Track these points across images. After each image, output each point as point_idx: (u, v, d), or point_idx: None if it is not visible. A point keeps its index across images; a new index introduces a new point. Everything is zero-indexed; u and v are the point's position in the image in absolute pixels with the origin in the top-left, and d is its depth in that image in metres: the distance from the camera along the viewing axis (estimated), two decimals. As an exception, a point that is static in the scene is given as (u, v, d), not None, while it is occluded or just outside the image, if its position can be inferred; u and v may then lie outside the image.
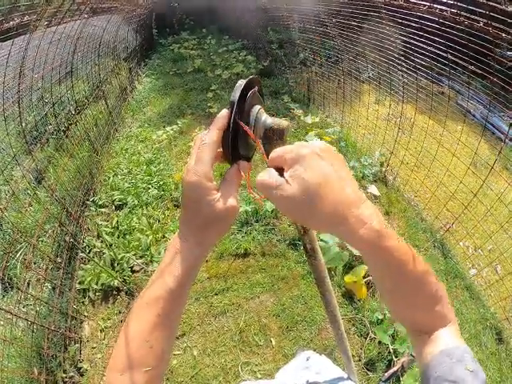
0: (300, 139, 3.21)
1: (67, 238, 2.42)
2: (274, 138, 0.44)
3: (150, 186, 2.88)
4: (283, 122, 0.44)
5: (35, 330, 1.96)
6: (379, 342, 2.04)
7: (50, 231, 2.43)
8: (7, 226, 2.60)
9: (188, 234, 0.41)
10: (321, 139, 3.26)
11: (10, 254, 2.34)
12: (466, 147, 2.67)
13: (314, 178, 0.35)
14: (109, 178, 2.94)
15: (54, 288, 2.19)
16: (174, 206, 2.75)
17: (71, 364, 2.03)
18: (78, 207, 2.66)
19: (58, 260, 2.29)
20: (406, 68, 2.87)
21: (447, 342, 0.40)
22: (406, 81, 2.96)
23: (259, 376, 2.01)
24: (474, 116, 4.31)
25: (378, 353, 2.05)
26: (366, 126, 3.50)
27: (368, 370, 2.03)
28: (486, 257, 2.71)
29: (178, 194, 2.75)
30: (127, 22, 5.69)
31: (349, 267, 2.28)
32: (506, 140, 2.93)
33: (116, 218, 2.63)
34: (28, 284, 2.30)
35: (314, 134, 3.09)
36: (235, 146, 0.43)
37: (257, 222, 2.57)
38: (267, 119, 0.45)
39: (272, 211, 2.60)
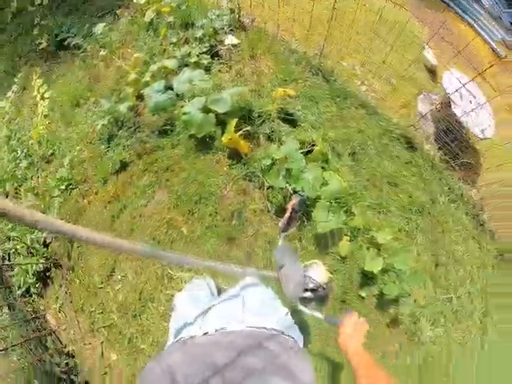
0: (140, 25, 2.65)
1: None
2: None
3: (18, 161, 2.52)
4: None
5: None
6: (281, 189, 1.94)
7: None
8: None
9: None
10: (159, 13, 2.75)
11: None
12: None
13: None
14: None
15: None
16: (45, 162, 2.46)
17: (59, 355, 2.08)
18: None
19: None
20: None
21: None
22: None
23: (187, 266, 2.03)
24: None
25: (283, 197, 1.97)
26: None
27: (278, 216, 1.99)
28: (377, 69, 2.45)
29: (43, 150, 2.45)
30: None
31: (223, 127, 2.03)
32: None
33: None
34: None
35: (150, 11, 2.54)
36: None
37: (120, 129, 2.28)
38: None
39: (129, 110, 2.26)
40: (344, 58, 2.41)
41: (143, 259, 2.10)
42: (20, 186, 2.46)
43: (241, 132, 2.01)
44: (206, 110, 2.07)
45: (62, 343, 2.22)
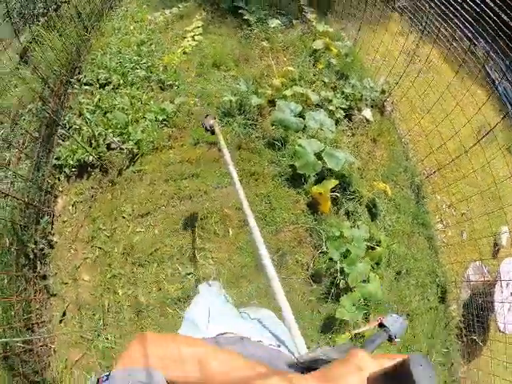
0: (306, 46, 2.85)
1: (48, 115, 2.27)
2: None
3: (137, 67, 2.61)
4: None
5: (9, 203, 1.92)
6: (330, 259, 2.00)
7: (32, 108, 2.29)
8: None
9: None
10: (327, 49, 2.94)
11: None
12: (473, 107, 2.41)
13: None
14: (96, 56, 2.65)
15: (31, 163, 2.12)
16: (159, 88, 2.52)
17: (42, 236, 2.05)
18: (62, 85, 2.46)
19: (37, 135, 2.18)
20: (445, 12, 2.44)
21: None
22: (441, 25, 2.56)
23: (211, 262, 2.06)
24: (496, 88, 3.85)
25: (327, 268, 2.04)
26: (379, 51, 3.12)
27: (313, 280, 2.05)
28: (457, 218, 2.58)
29: (165, 77, 2.51)
30: None
31: (321, 178, 2.14)
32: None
33: (98, 96, 2.43)
34: (8, 163, 2.20)
35: (321, 42, 2.73)
36: None
37: (239, 114, 2.33)
38: None
39: (257, 106, 2.36)
40: (441, 193, 2.57)
41: (181, 226, 2.12)
42: (124, 86, 2.51)
43: (332, 194, 2.12)
44: (317, 156, 2.18)
45: (52, 229, 2.16)
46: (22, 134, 2.27)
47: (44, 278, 2.03)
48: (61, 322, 1.96)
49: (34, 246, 1.99)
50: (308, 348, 0.62)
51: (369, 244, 2.09)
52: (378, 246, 2.13)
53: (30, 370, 1.75)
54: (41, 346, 1.88)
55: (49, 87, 2.34)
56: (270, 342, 0.77)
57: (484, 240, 2.53)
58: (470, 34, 2.43)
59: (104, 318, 1.95)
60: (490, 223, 2.37)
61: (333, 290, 1.99)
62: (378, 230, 2.21)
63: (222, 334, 0.83)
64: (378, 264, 2.14)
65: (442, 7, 2.50)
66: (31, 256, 1.98)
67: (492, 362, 2.25)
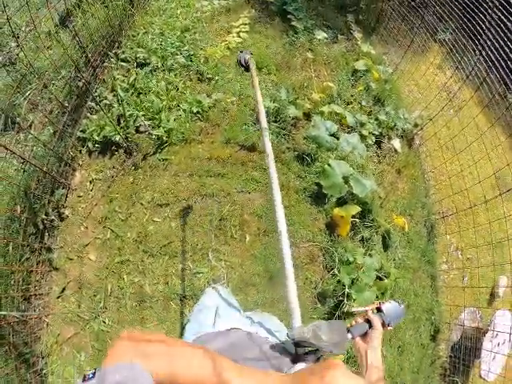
0: (348, 63, 2.82)
1: (80, 84, 2.19)
2: None
3: (178, 53, 2.54)
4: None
5: (27, 169, 1.84)
6: (338, 281, 2.01)
7: (64, 74, 2.20)
8: (21, 64, 2.32)
9: None
10: (368, 71, 2.92)
11: (19, 92, 2.13)
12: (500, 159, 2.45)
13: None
14: (138, 34, 2.57)
15: (55, 132, 2.03)
16: (198, 79, 2.46)
17: (54, 208, 1.99)
18: (99, 56, 2.37)
19: (65, 104, 2.09)
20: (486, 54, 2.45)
21: None
22: (478, 66, 2.58)
23: (223, 265, 2.03)
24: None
25: (334, 290, 2.04)
26: (418, 84, 3.12)
27: (318, 300, 2.05)
28: (462, 262, 2.61)
29: (205, 68, 2.45)
30: None
31: (343, 202, 2.14)
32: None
33: (135, 75, 2.36)
34: (30, 126, 2.13)
35: (363, 63, 2.72)
36: None
37: (274, 121, 2.31)
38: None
39: (292, 118, 2.33)
40: (452, 235, 2.61)
41: (198, 223, 2.10)
42: (162, 70, 2.44)
43: (355, 220, 2.12)
44: (344, 179, 2.18)
45: (65, 202, 2.10)
46: (49, 100, 2.20)
47: (49, 250, 1.98)
48: (59, 297, 1.92)
49: (44, 217, 1.92)
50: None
51: (378, 274, 2.11)
52: (386, 277, 2.15)
53: (20, 341, 1.71)
54: (35, 318, 1.83)
55: (86, 56, 2.27)
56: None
57: (483, 286, 2.57)
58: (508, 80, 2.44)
59: (105, 300, 1.92)
60: (493, 274, 2.41)
61: (336, 313, 2.00)
62: (388, 262, 2.23)
63: (229, 330, 0.86)
64: (383, 294, 2.17)
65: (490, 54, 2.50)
66: (40, 226, 1.91)
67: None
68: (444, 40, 3.49)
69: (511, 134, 2.87)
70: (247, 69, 1.46)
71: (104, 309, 1.91)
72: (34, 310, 1.85)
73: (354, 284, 2.02)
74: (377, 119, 2.59)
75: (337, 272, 2.03)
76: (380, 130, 2.56)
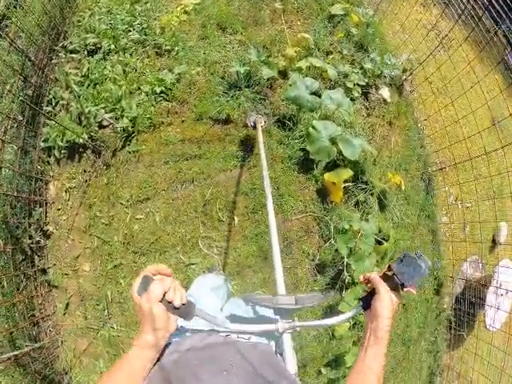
0: (323, 9, 2.41)
1: (30, 92, 1.95)
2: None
3: (130, 29, 2.19)
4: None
5: None
6: (336, 250, 1.90)
7: (12, 88, 1.93)
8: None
9: None
10: (347, 15, 2.57)
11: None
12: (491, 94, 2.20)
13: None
14: (83, 18, 2.21)
15: (18, 148, 1.86)
16: (156, 53, 2.15)
17: (36, 229, 1.89)
18: (45, 54, 2.08)
19: (20, 118, 1.89)
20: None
21: None
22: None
23: (216, 252, 1.92)
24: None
25: (332, 259, 1.94)
26: (403, 25, 2.76)
27: (318, 271, 1.96)
28: (462, 212, 2.50)
29: (163, 40, 2.13)
30: None
31: (333, 165, 1.94)
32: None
33: (87, 65, 2.06)
34: None
35: (340, 7, 2.36)
36: None
37: (247, 87, 2.03)
38: None
39: (267, 79, 2.04)
40: (451, 186, 2.44)
41: (183, 213, 1.95)
42: (116, 52, 2.14)
43: (347, 184, 1.94)
44: (332, 141, 1.96)
45: (46, 218, 2.00)
46: (2, 120, 1.94)
47: (43, 271, 1.93)
48: (64, 313, 1.90)
49: (29, 241, 1.84)
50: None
51: (376, 238, 1.99)
52: (385, 240, 2.02)
53: (41, 365, 1.74)
54: (48, 339, 1.84)
55: (30, 60, 1.97)
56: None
57: (484, 234, 2.47)
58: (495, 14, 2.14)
59: (108, 307, 1.88)
60: (494, 221, 2.29)
61: (338, 284, 1.91)
62: (386, 222, 2.09)
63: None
64: (382, 258, 2.06)
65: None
66: (28, 251, 1.83)
67: (473, 356, 2.32)
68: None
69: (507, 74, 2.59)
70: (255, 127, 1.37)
71: (109, 315, 1.89)
72: (46, 333, 1.87)
73: (352, 253, 1.90)
74: (361, 68, 2.30)
75: (333, 242, 1.90)
76: (366, 80, 2.28)
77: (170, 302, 0.56)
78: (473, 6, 2.66)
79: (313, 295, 0.77)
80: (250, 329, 0.70)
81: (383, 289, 0.65)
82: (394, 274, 0.65)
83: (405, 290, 0.65)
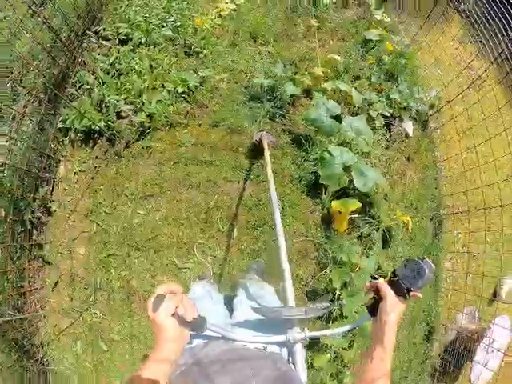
0: (358, 32, 2.37)
1: (55, 72, 1.95)
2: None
3: (164, 25, 2.17)
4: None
5: (7, 170, 1.71)
6: (330, 280, 1.81)
7: (40, 64, 1.92)
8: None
9: None
10: (381, 42, 2.47)
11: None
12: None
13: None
14: (120, 6, 2.20)
15: (35, 123, 1.86)
16: (185, 53, 2.12)
17: (40, 205, 1.88)
18: (77, 37, 2.08)
19: (41, 95, 1.88)
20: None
21: None
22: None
23: (209, 260, 1.86)
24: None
25: (325, 288, 1.86)
26: (438, 59, 2.67)
27: (308, 298, 1.90)
28: (467, 260, 2.35)
29: (193, 41, 2.10)
30: None
31: (342, 193, 1.87)
32: None
33: (116, 54, 2.05)
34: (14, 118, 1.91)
35: (376, 32, 2.28)
36: None
37: (269, 101, 1.98)
38: None
39: (291, 96, 1.98)
40: (460, 230, 2.33)
41: (184, 216, 1.91)
42: (146, 46, 2.12)
43: (354, 216, 1.88)
44: (345, 169, 1.89)
45: (51, 196, 2.00)
46: (27, 93, 1.94)
47: (40, 247, 1.92)
48: (52, 291, 1.89)
49: (30, 215, 1.82)
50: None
51: (374, 275, 1.91)
52: (383, 277, 1.94)
53: (20, 335, 1.73)
54: (32, 312, 1.83)
55: (61, 41, 1.96)
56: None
57: (486, 284, 2.35)
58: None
59: (95, 293, 1.86)
60: (500, 270, 2.16)
61: (324, 315, 1.84)
62: (386, 260, 2.01)
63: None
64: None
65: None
66: (28, 224, 1.83)
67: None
68: (467, 11, 2.94)
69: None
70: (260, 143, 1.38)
71: (95, 301, 1.87)
72: (31, 305, 1.86)
73: (346, 288, 1.83)
74: (388, 98, 2.21)
75: (329, 272, 1.83)
76: (391, 111, 2.20)
77: (181, 316, 0.58)
78: (510, 50, 2.54)
79: (321, 305, 0.80)
80: (263, 340, 0.74)
81: (390, 294, 0.66)
82: (398, 279, 0.66)
83: (410, 294, 0.66)
